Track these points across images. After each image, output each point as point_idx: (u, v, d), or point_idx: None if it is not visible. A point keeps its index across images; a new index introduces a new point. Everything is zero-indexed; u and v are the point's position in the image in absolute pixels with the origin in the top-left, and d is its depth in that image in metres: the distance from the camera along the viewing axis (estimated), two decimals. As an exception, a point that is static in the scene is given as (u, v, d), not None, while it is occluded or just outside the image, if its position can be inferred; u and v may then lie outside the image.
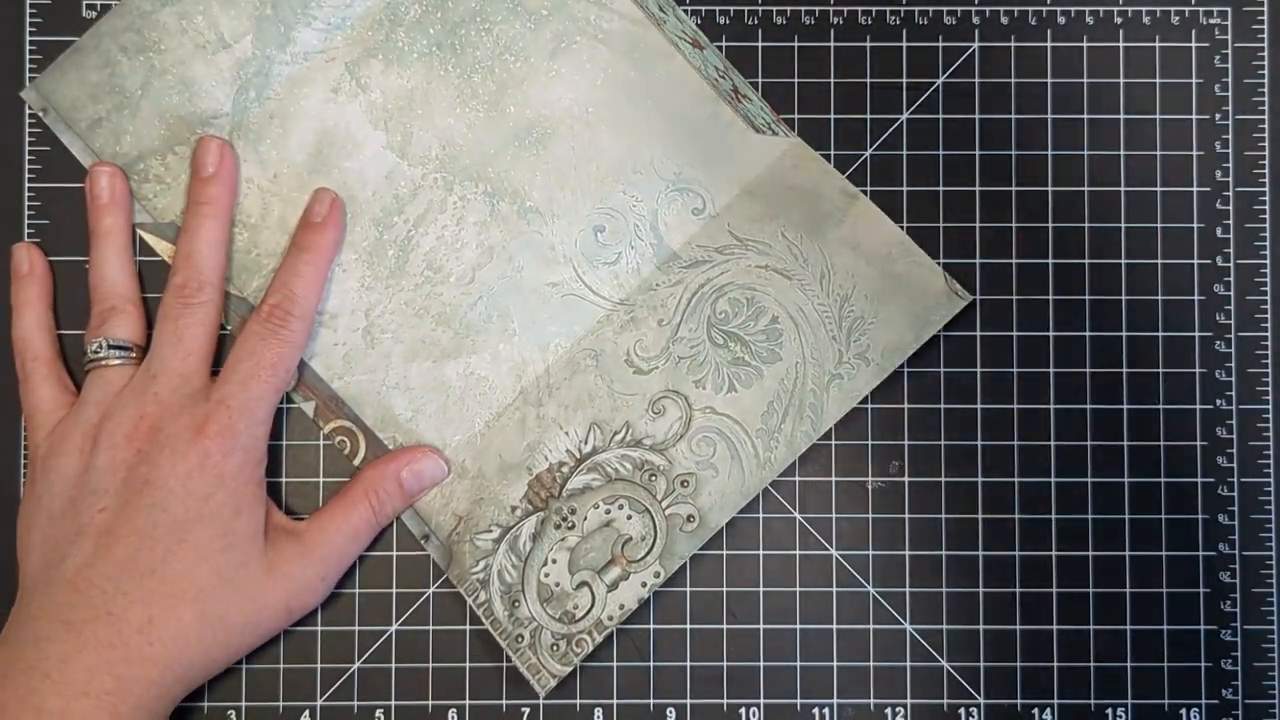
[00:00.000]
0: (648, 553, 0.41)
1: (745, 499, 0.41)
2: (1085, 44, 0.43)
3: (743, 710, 0.42)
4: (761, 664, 0.42)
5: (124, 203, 0.41)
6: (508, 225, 0.42)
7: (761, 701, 0.42)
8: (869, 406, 0.42)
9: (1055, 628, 0.42)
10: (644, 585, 0.41)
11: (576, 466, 0.41)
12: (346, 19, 0.42)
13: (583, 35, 0.42)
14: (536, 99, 0.42)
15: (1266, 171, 0.43)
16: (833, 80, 0.43)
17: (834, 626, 0.42)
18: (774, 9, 0.43)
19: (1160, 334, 0.43)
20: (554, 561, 0.41)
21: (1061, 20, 0.43)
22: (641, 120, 0.42)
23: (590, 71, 0.42)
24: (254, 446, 0.38)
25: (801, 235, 0.42)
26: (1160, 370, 0.42)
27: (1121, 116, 0.43)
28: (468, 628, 0.42)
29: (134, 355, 0.39)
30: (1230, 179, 0.43)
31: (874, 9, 0.43)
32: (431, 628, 0.42)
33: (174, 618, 0.36)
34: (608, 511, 0.41)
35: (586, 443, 0.41)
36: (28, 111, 0.42)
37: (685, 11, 0.43)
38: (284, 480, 0.42)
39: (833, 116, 0.43)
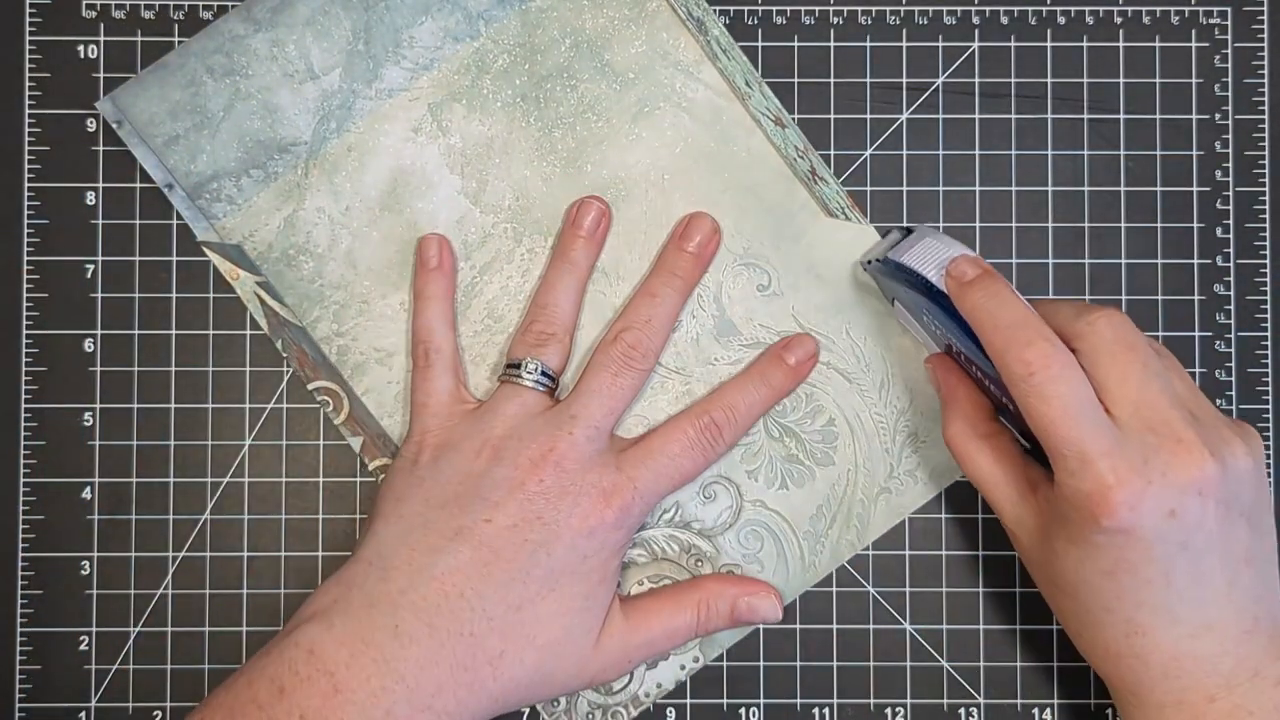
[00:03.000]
0: None
1: (788, 599, 0.41)
2: (1085, 44, 0.43)
3: (743, 710, 0.42)
4: (761, 664, 0.42)
5: (604, 238, 0.41)
6: None
7: (761, 701, 0.42)
8: (869, 406, 0.42)
9: (1055, 628, 0.42)
10: (682, 668, 0.41)
11: None
12: (435, 61, 0.41)
13: (666, 102, 0.42)
14: (614, 160, 0.42)
15: (1266, 171, 0.43)
16: (833, 80, 0.43)
17: (834, 626, 0.42)
18: (774, 9, 0.43)
19: (1160, 334, 0.43)
20: None
21: (1061, 20, 0.43)
22: (716, 192, 0.42)
23: (671, 138, 0.42)
24: (634, 529, 0.38)
25: (866, 337, 0.42)
26: (1160, 370, 0.42)
27: (1121, 116, 0.43)
28: (468, 628, 0.42)
29: (553, 388, 0.39)
30: (1230, 179, 0.43)
31: (874, 9, 0.43)
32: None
33: (519, 660, 0.36)
34: (651, 590, 0.41)
35: None
36: (28, 111, 0.42)
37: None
38: (284, 480, 0.42)
39: (833, 116, 0.43)
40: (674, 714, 0.42)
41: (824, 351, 0.42)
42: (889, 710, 0.42)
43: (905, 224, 0.41)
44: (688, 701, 0.42)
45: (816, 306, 0.42)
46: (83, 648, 0.42)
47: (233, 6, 0.42)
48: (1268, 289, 0.43)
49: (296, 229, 0.41)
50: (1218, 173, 0.43)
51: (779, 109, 0.42)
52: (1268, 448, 0.42)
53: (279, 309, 0.41)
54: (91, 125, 0.42)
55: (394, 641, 0.34)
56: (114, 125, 0.41)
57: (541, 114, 0.42)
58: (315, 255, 0.41)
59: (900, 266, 0.37)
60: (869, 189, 0.43)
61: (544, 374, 0.39)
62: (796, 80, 0.43)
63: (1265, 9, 0.43)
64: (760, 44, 0.43)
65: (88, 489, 0.42)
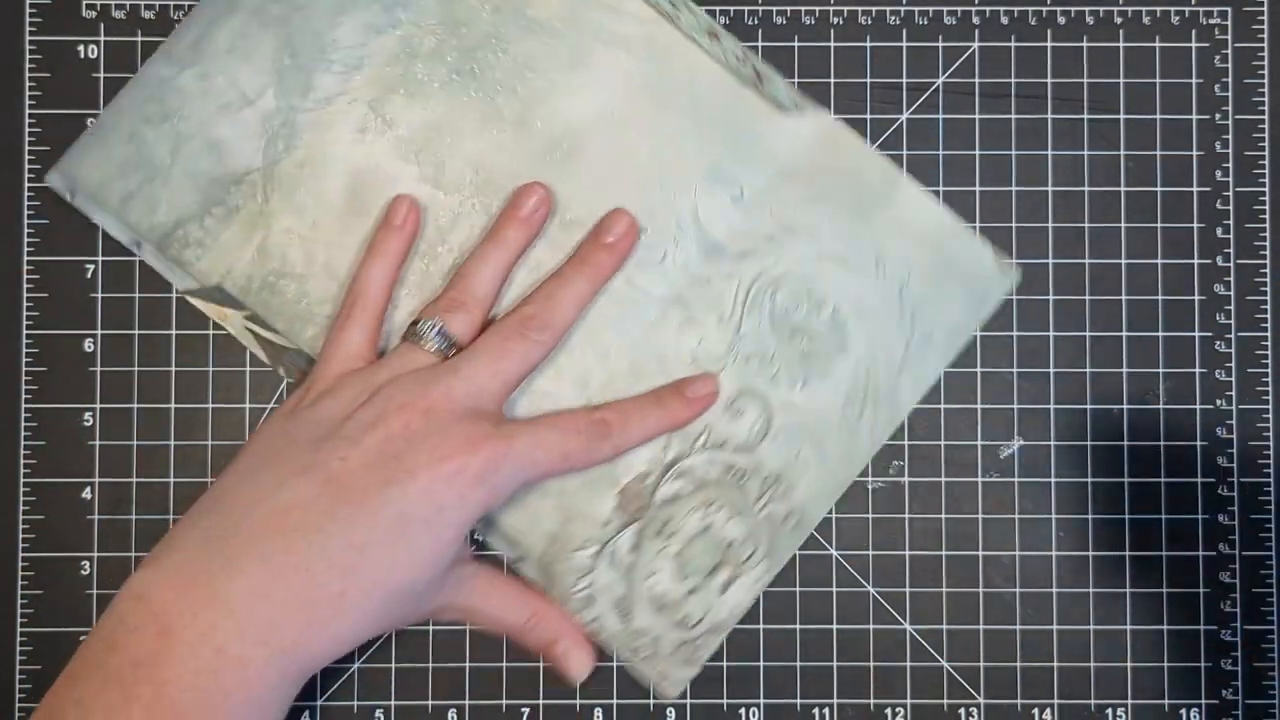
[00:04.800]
0: (752, 554, 0.41)
1: (840, 490, 0.41)
2: (1085, 44, 0.43)
3: (743, 710, 0.42)
4: (761, 664, 0.42)
5: (541, 223, 0.41)
6: (551, 240, 0.41)
7: (761, 701, 0.42)
8: (869, 406, 0.42)
9: (1055, 628, 0.42)
10: (756, 582, 0.41)
11: (664, 474, 0.41)
12: (363, 59, 0.41)
13: (598, 42, 0.42)
14: (562, 112, 0.42)
15: (1266, 171, 0.43)
16: (833, 80, 0.43)
17: (834, 626, 0.42)
18: (774, 9, 0.43)
19: (1160, 334, 0.43)
20: (659, 571, 0.40)
21: (1061, 20, 0.43)
22: (668, 117, 0.42)
23: (611, 77, 0.42)
24: (499, 494, 0.36)
25: (849, 220, 0.42)
26: (1160, 370, 0.42)
27: (1121, 116, 0.43)
28: (468, 628, 0.42)
29: (451, 354, 0.39)
30: (1230, 179, 0.43)
31: (874, 9, 0.43)
32: (431, 628, 0.42)
33: (361, 602, 0.34)
34: (704, 516, 0.41)
35: (668, 449, 0.41)
36: (28, 112, 0.42)
37: (685, 11, 0.43)
38: (284, 480, 0.42)
39: (833, 116, 0.43)
40: (674, 714, 0.42)
41: (812, 243, 0.41)
42: (889, 710, 0.42)
43: None
44: (688, 702, 0.42)
45: (793, 203, 0.42)
46: (83, 648, 0.42)
47: (233, 6, 0.42)
48: (1268, 289, 0.43)
49: (270, 255, 0.41)
50: (1218, 173, 0.43)
51: (710, 22, 0.42)
52: (1267, 448, 0.42)
53: (273, 337, 0.41)
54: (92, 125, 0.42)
55: (223, 576, 0.33)
56: (67, 196, 0.41)
57: (480, 84, 0.42)
58: (295, 276, 0.41)
59: None
60: (869, 189, 0.43)
61: (441, 334, 0.38)
62: (796, 80, 0.43)
63: (1265, 9, 0.43)
64: (760, 44, 0.43)
65: (88, 489, 0.42)
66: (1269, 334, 0.43)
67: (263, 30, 0.41)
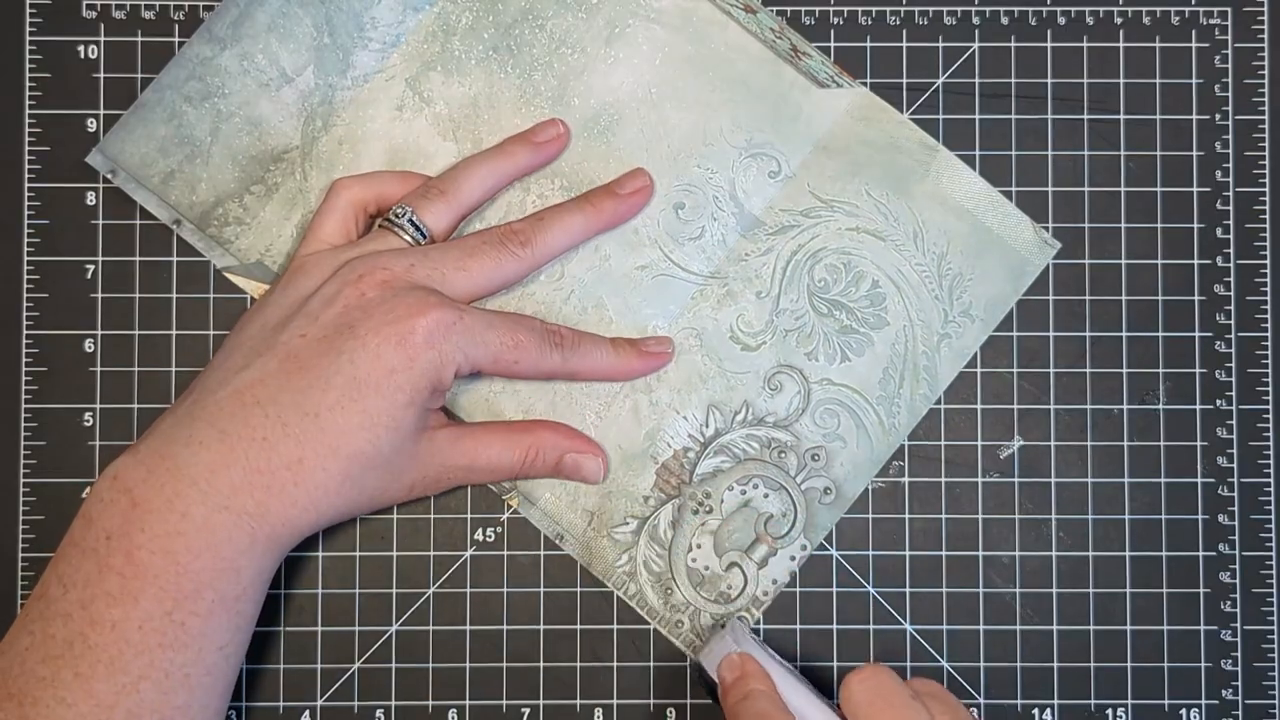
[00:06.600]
0: (791, 528, 0.41)
1: (877, 466, 0.41)
2: (1085, 44, 0.43)
3: (743, 710, 0.42)
4: (761, 664, 0.42)
5: (549, 156, 0.42)
6: None
7: (761, 701, 0.42)
8: (869, 406, 0.42)
9: (1055, 628, 0.42)
10: (793, 559, 0.41)
11: (703, 450, 0.41)
12: (400, 35, 0.42)
13: (635, 18, 0.42)
14: (599, 87, 0.42)
15: (1266, 171, 0.43)
16: (833, 80, 0.43)
17: (834, 626, 0.42)
18: (774, 9, 0.43)
19: (1160, 334, 0.43)
20: (699, 546, 0.41)
21: (1061, 20, 0.43)
22: (705, 92, 0.42)
23: (647, 52, 0.42)
24: (448, 360, 0.36)
25: (887, 193, 0.42)
26: (1160, 370, 0.42)
27: (1121, 116, 0.43)
28: (468, 628, 0.42)
29: (422, 243, 0.39)
30: (1230, 179, 0.43)
31: (874, 9, 0.43)
32: (431, 628, 0.42)
33: (320, 467, 0.35)
34: (743, 492, 0.41)
35: (708, 425, 0.41)
36: (28, 111, 0.42)
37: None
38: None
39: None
40: (674, 713, 0.42)
41: (850, 217, 0.42)
42: (889, 710, 0.42)
43: (724, 619, 0.41)
44: (688, 702, 0.42)
45: (831, 177, 0.42)
46: (83, 648, 0.41)
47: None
48: (1268, 289, 0.43)
49: None
50: (1218, 173, 0.43)
51: None
52: (1267, 447, 0.42)
53: None
54: (92, 125, 0.42)
55: (186, 450, 0.34)
56: (108, 176, 0.41)
57: (517, 60, 0.42)
58: None
59: (700, 669, 0.38)
60: (869, 189, 0.43)
61: (412, 221, 0.39)
62: (796, 80, 0.43)
63: (1265, 9, 0.43)
64: (760, 44, 0.43)
65: (88, 489, 0.42)
66: (1269, 334, 0.43)
67: (302, 9, 0.41)
